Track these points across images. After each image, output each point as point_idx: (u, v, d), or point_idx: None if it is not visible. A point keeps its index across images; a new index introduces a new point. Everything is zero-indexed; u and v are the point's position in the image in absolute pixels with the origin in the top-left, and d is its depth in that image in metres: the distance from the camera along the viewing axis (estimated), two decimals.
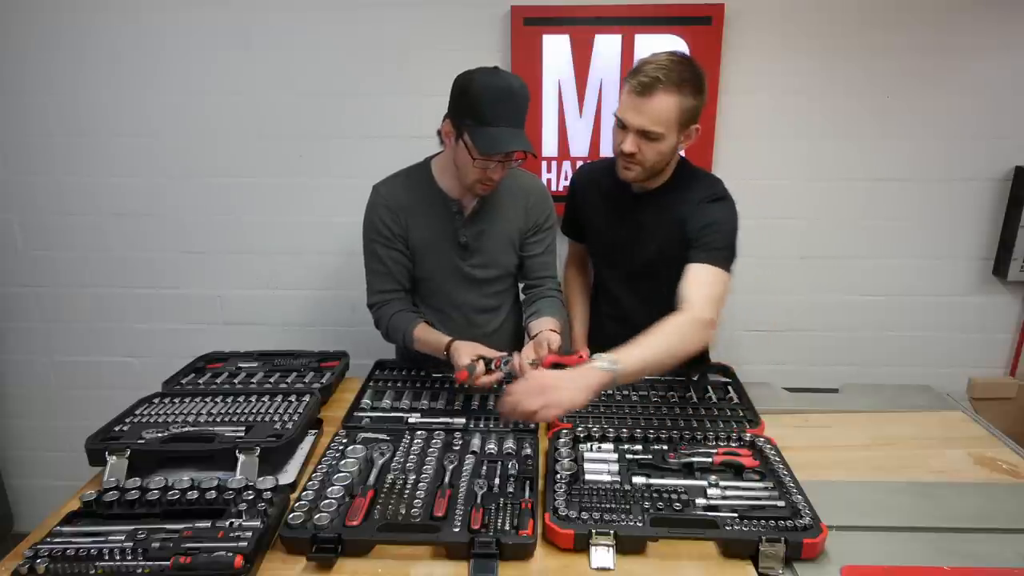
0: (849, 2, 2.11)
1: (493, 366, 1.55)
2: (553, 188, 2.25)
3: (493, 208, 1.73)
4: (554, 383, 1.27)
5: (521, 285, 1.89)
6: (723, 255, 1.55)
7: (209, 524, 1.18)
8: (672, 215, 1.65)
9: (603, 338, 1.90)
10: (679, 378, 1.75)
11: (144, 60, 2.23)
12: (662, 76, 1.49)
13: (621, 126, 1.58)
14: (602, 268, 1.93)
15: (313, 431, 1.55)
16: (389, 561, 1.15)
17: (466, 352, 1.56)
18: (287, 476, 1.37)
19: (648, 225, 1.71)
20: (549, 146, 2.23)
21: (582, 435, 1.47)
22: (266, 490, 1.26)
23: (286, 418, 1.49)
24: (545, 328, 1.65)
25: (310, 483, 1.30)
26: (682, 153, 1.73)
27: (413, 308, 1.78)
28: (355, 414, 1.60)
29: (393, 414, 1.60)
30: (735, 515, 1.20)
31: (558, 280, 1.87)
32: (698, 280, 1.50)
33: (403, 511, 1.22)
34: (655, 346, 1.36)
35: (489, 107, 1.49)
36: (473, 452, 1.41)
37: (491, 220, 1.73)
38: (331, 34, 2.19)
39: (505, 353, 1.58)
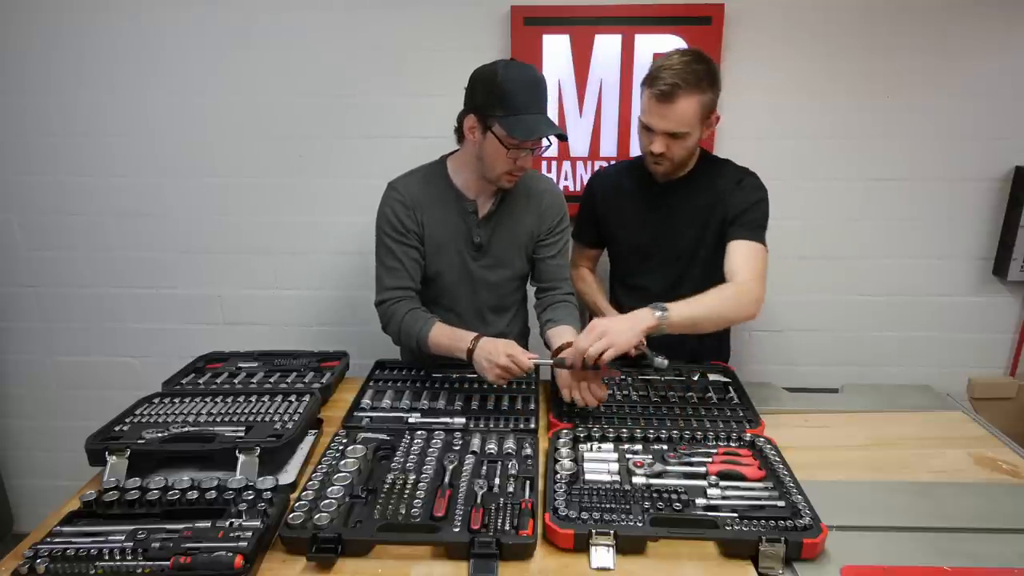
0: (849, 2, 2.11)
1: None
2: None
3: (508, 210, 1.73)
4: (610, 326, 1.44)
5: (533, 289, 1.87)
6: (762, 230, 1.70)
7: (209, 524, 1.18)
8: (702, 200, 1.76)
9: None
10: (679, 378, 1.75)
11: (144, 60, 2.23)
12: (680, 81, 1.56)
13: (647, 129, 1.65)
14: (630, 265, 1.92)
15: (313, 431, 1.54)
16: (389, 561, 1.15)
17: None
18: (287, 476, 1.37)
19: (679, 210, 1.80)
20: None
21: (582, 435, 1.47)
22: (266, 490, 1.26)
23: (286, 418, 1.49)
24: (566, 339, 1.61)
25: (310, 483, 1.30)
26: None
27: (425, 308, 1.72)
28: (355, 414, 1.60)
29: (393, 414, 1.60)
30: (735, 515, 1.20)
31: (571, 284, 1.86)
32: (743, 256, 1.64)
33: (403, 511, 1.22)
34: (704, 305, 1.52)
35: (520, 96, 1.52)
36: (473, 452, 1.41)
37: (505, 222, 1.74)
38: (331, 34, 2.19)
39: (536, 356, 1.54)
